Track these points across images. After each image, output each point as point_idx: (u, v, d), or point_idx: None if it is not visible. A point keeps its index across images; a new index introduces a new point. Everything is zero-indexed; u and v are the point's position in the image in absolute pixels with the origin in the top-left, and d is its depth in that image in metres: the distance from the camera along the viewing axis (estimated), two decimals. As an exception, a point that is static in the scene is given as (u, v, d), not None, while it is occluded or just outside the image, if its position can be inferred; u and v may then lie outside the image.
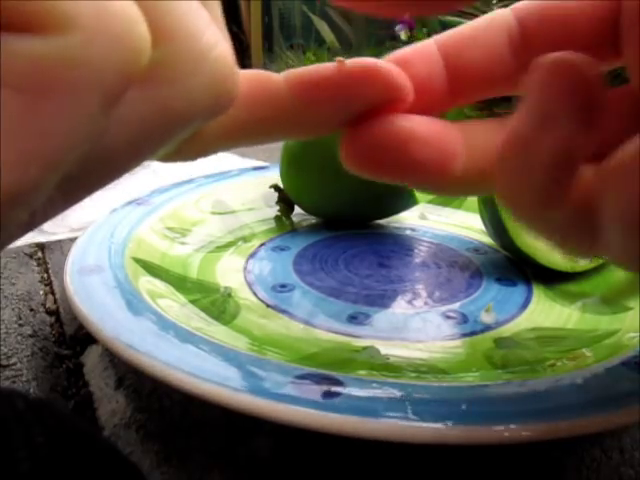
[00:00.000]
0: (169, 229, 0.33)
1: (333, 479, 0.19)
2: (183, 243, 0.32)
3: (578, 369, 0.19)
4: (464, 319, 0.25)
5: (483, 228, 0.34)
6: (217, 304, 0.26)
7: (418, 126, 0.13)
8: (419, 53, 0.14)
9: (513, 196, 0.12)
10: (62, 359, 0.25)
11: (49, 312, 0.29)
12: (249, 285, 0.28)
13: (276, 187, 0.37)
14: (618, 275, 0.28)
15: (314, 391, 0.17)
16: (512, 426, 0.16)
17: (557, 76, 0.10)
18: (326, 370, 0.18)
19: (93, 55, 0.07)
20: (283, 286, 0.28)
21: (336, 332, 0.24)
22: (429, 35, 0.15)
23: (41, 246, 0.37)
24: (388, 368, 0.21)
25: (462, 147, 0.13)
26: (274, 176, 0.38)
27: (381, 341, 0.23)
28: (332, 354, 0.22)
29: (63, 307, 0.29)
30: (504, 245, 0.32)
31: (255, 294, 0.27)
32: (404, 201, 0.36)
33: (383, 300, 0.27)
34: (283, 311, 0.26)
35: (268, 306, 0.26)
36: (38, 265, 0.35)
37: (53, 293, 0.31)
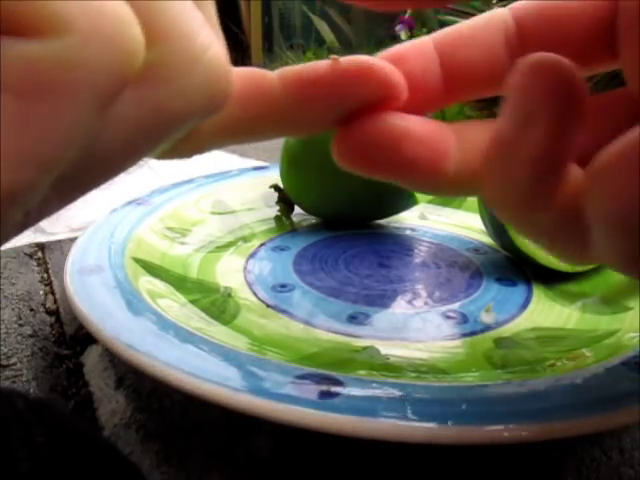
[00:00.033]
0: (169, 229, 0.33)
1: (333, 479, 0.19)
2: (183, 243, 0.32)
3: (578, 369, 0.19)
4: (464, 319, 0.25)
5: (483, 228, 0.34)
6: (217, 304, 0.26)
7: (411, 125, 0.13)
8: (415, 50, 0.14)
9: (499, 198, 0.12)
10: (62, 359, 0.25)
11: (49, 312, 0.29)
12: (249, 285, 0.28)
13: (276, 187, 0.37)
14: (618, 275, 0.28)
15: (314, 391, 0.17)
16: (512, 426, 0.16)
17: (539, 76, 0.11)
18: (326, 370, 0.18)
19: (88, 57, 0.07)
20: (283, 286, 0.28)
21: (336, 332, 0.24)
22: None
23: (41, 246, 0.37)
24: (388, 368, 0.21)
25: (455, 148, 0.13)
26: (274, 176, 0.38)
27: (381, 341, 0.23)
28: (332, 354, 0.22)
29: (63, 307, 0.29)
30: (504, 245, 0.32)
31: (255, 294, 0.27)
32: (404, 201, 0.36)
33: (383, 300, 0.27)
34: (283, 311, 0.26)
35: (268, 306, 0.26)
36: (38, 265, 0.35)
37: (53, 293, 0.31)
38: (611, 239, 0.11)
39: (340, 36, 1.69)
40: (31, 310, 0.29)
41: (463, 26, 0.14)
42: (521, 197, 0.12)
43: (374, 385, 0.18)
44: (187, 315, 0.23)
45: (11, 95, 0.07)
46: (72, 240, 0.35)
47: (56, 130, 0.07)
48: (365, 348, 0.23)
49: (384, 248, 0.33)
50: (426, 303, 0.27)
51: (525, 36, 0.14)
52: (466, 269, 0.31)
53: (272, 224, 0.36)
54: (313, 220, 0.38)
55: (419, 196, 0.36)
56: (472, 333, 0.24)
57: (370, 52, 0.13)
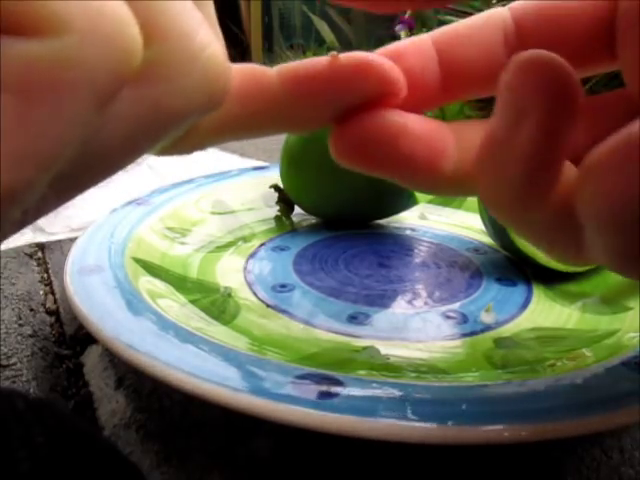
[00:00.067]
0: (169, 229, 0.33)
1: (333, 479, 0.19)
2: (183, 243, 0.32)
3: (578, 369, 0.19)
4: (464, 319, 0.25)
5: (483, 228, 0.34)
6: (217, 304, 0.26)
7: (410, 122, 0.13)
8: (413, 47, 0.14)
9: (493, 197, 0.12)
10: (62, 359, 0.25)
11: (49, 312, 0.29)
12: (249, 285, 0.28)
13: (276, 187, 0.37)
14: (618, 275, 0.28)
15: (314, 391, 0.17)
16: (512, 426, 0.16)
17: (530, 73, 0.10)
18: (326, 370, 0.18)
19: (87, 56, 0.07)
20: (283, 286, 0.28)
21: (336, 332, 0.24)
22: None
23: (41, 246, 0.37)
24: (388, 368, 0.21)
25: (453, 147, 0.13)
26: (274, 176, 0.38)
27: (381, 341, 0.23)
28: (332, 354, 0.22)
29: (63, 307, 0.29)
30: (504, 245, 0.32)
31: (255, 294, 0.27)
32: (404, 201, 0.36)
33: (383, 300, 0.27)
34: (283, 311, 0.26)
35: (268, 306, 0.26)
36: (38, 265, 0.35)
37: (53, 293, 0.31)
38: (604, 237, 0.10)
39: (340, 36, 1.69)
40: (31, 310, 0.29)
41: (462, 25, 0.14)
42: (515, 196, 0.12)
43: (374, 385, 0.18)
44: (187, 315, 0.23)
45: (10, 95, 0.07)
46: (72, 240, 0.35)
47: (55, 129, 0.07)
48: (365, 348, 0.23)
49: (384, 248, 0.33)
50: (426, 303, 0.27)
51: (524, 36, 0.14)
52: (466, 269, 0.31)
53: (272, 224, 0.36)
54: (313, 220, 0.38)
55: (419, 196, 0.36)
56: (472, 333, 0.24)
57: (370, 52, 0.13)
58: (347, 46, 1.65)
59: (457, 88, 0.14)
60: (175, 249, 0.31)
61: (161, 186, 0.38)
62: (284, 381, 0.17)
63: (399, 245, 0.34)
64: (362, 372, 0.20)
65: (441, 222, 0.38)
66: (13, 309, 0.29)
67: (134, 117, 0.09)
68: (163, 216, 0.33)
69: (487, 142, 0.12)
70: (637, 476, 0.19)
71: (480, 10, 0.14)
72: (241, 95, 0.12)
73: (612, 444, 0.20)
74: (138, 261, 0.27)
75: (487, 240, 0.34)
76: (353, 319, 0.25)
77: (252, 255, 0.32)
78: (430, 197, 0.39)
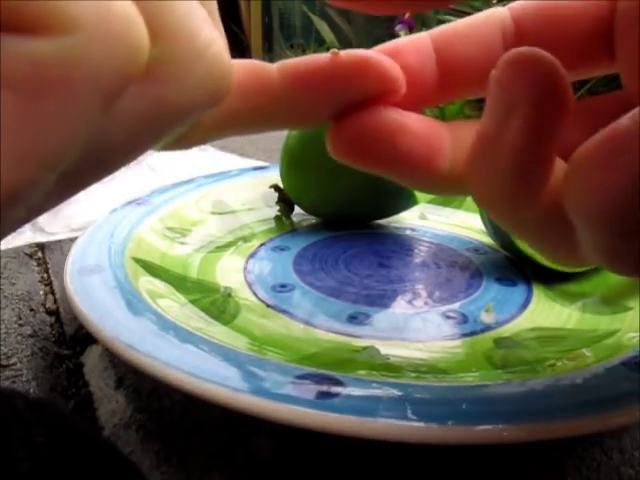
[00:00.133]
0: (169, 229, 0.33)
1: (333, 479, 0.19)
2: (183, 243, 0.32)
3: (578, 369, 0.19)
4: (464, 319, 0.25)
5: (483, 228, 0.34)
6: (217, 304, 0.26)
7: (408, 120, 0.13)
8: (412, 45, 0.14)
9: (486, 195, 0.12)
10: (62, 359, 0.25)
11: (49, 312, 0.29)
12: (249, 285, 0.28)
13: (276, 187, 0.37)
14: (618, 275, 0.28)
15: (314, 391, 0.17)
16: (512, 426, 0.16)
17: (518, 69, 0.11)
18: (326, 370, 0.18)
19: (94, 54, 0.07)
20: (283, 286, 0.28)
21: (336, 332, 0.24)
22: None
23: (41, 246, 0.37)
24: (388, 368, 0.21)
25: (449, 145, 0.13)
26: (274, 176, 0.38)
27: (381, 341, 0.23)
28: (332, 354, 0.22)
29: (63, 307, 0.29)
30: (504, 245, 0.32)
31: (255, 294, 0.27)
32: (404, 201, 0.36)
33: (383, 300, 0.27)
34: (283, 311, 0.26)
35: (268, 306, 0.26)
36: (38, 265, 0.35)
37: (53, 293, 0.31)
38: (593, 234, 0.10)
39: (340, 36, 1.69)
40: (31, 310, 0.29)
41: (461, 23, 0.14)
42: (505, 193, 0.12)
43: (374, 385, 0.18)
44: (187, 315, 0.23)
45: (13, 92, 0.07)
46: (72, 240, 0.35)
47: (61, 127, 0.08)
48: (365, 348, 0.23)
49: (384, 248, 0.33)
50: (426, 303, 0.27)
51: (523, 35, 0.14)
52: (466, 269, 0.31)
53: (272, 224, 0.36)
54: (313, 220, 0.38)
55: (419, 196, 0.36)
56: (472, 333, 0.24)
57: (369, 50, 0.13)
58: (347, 46, 1.65)
59: (455, 86, 0.14)
60: (175, 249, 0.31)
61: (161, 186, 0.38)
62: (284, 381, 0.17)
63: (399, 245, 0.34)
64: (362, 372, 0.20)
65: (441, 222, 0.38)
66: (13, 309, 0.29)
67: (139, 114, 0.09)
68: (163, 216, 0.33)
69: (478, 139, 0.12)
70: (637, 476, 0.19)
71: (480, 10, 0.14)
72: (242, 90, 0.12)
73: (612, 444, 0.20)
74: (138, 261, 0.27)
75: (487, 240, 0.34)
76: (353, 319, 0.25)
77: (252, 255, 0.32)
78: (430, 197, 0.39)
